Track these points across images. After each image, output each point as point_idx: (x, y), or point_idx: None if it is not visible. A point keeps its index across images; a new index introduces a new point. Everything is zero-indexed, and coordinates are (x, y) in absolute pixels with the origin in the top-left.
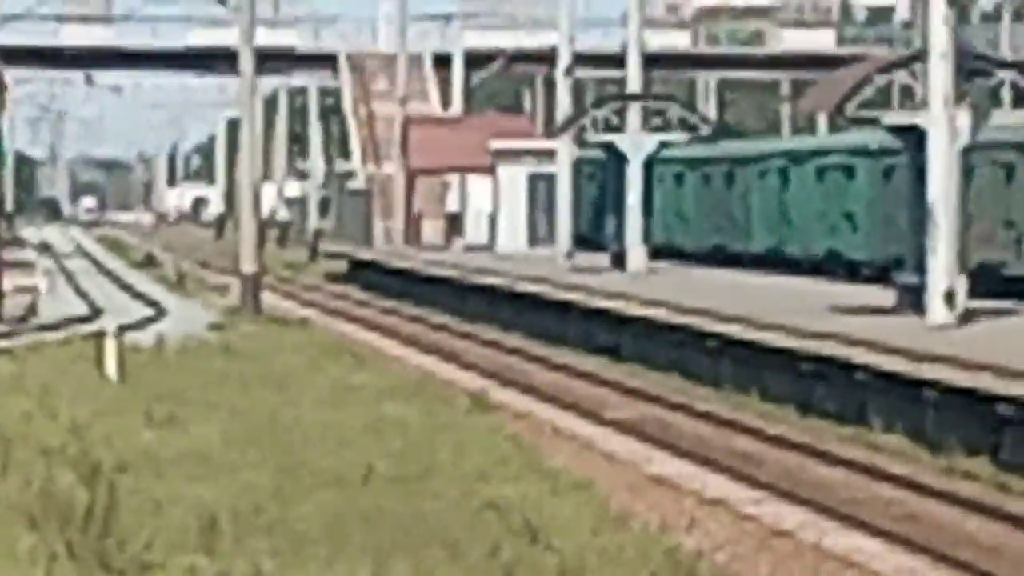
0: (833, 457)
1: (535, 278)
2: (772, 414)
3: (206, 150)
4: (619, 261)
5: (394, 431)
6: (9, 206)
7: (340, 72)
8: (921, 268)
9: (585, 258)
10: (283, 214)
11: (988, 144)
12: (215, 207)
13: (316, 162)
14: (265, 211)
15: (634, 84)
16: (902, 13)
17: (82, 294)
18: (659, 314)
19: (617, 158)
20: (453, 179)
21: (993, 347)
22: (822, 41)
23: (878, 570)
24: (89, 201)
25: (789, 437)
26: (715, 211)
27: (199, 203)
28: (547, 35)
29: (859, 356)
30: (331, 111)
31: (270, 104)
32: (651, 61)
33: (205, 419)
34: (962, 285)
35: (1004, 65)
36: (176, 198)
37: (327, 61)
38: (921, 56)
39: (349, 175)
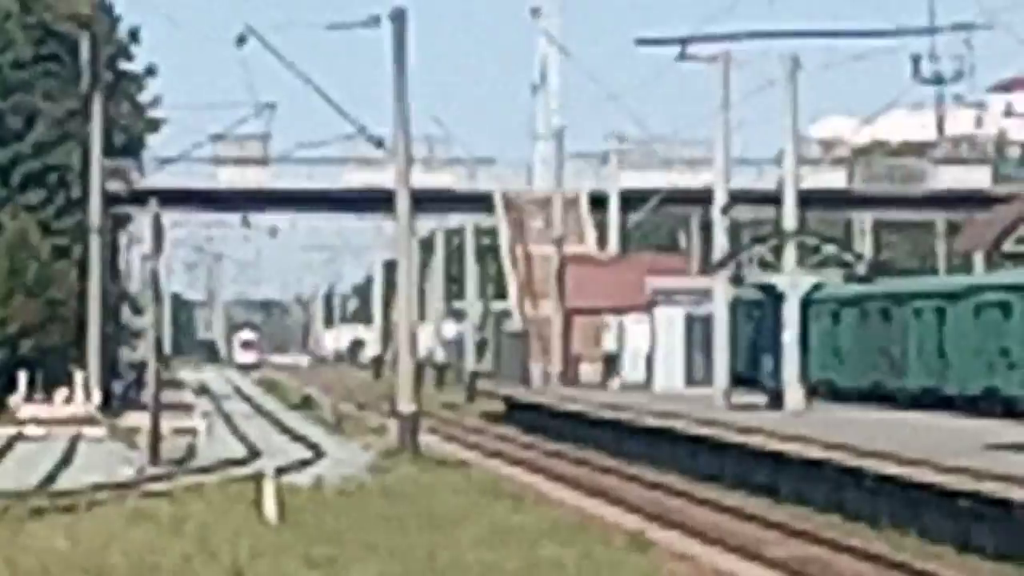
0: None
1: (699, 420)
2: (929, 552)
3: (363, 291)
4: (776, 400)
5: (552, 571)
6: (167, 348)
7: (496, 212)
8: None
9: (742, 397)
10: (440, 355)
11: None
12: (372, 348)
13: (472, 303)
14: (422, 352)
15: (790, 223)
16: None
17: (240, 436)
18: (811, 452)
19: (774, 297)
20: (610, 319)
21: None
22: (978, 179)
23: None
24: (247, 334)
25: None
26: (872, 349)
27: (356, 344)
28: (702, 174)
29: (1015, 493)
30: (487, 251)
31: (426, 245)
32: (806, 200)
33: (364, 560)
34: None
35: None
36: (333, 340)
37: (483, 202)
38: None
39: (506, 315)
